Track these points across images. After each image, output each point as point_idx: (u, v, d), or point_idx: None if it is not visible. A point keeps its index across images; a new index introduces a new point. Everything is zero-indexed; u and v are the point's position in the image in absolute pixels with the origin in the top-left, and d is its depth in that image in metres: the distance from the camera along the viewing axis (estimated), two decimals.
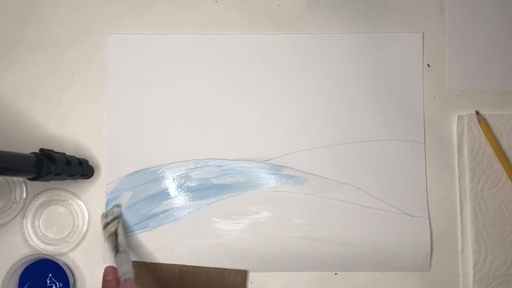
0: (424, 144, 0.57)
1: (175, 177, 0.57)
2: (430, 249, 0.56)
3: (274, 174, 0.57)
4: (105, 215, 0.55)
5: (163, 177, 0.57)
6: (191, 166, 0.57)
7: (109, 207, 0.56)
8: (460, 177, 0.57)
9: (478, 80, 0.58)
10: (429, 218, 0.56)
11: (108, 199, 0.56)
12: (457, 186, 0.57)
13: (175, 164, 0.57)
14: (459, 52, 0.58)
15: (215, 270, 0.56)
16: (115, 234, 0.53)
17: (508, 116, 0.57)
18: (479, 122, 0.56)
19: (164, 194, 0.57)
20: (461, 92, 0.58)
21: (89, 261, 0.56)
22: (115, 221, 0.54)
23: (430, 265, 0.56)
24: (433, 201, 0.57)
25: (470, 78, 0.58)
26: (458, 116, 0.57)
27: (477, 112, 0.57)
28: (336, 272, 0.56)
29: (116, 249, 0.51)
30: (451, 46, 0.58)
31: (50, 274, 0.56)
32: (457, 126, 0.57)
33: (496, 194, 0.56)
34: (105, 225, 0.54)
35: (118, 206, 0.56)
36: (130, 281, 0.47)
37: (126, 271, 0.48)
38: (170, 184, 0.57)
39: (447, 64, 0.58)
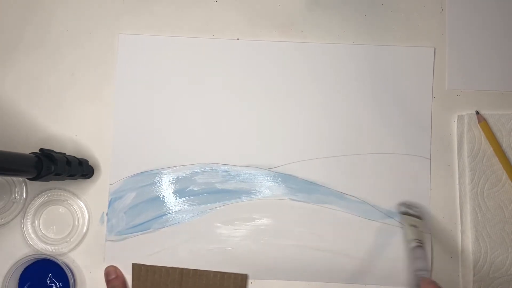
0: (430, 159, 0.57)
1: (179, 180, 0.57)
2: (430, 268, 0.55)
3: (278, 182, 0.57)
4: (406, 205, 0.55)
5: (167, 180, 0.57)
6: (196, 170, 0.57)
7: (403, 203, 0.55)
8: (460, 177, 0.57)
9: (478, 80, 0.58)
10: (430, 234, 0.56)
11: (111, 199, 0.56)
12: (457, 186, 0.57)
13: (180, 167, 0.57)
14: (459, 52, 0.58)
15: (215, 273, 0.55)
16: (415, 227, 0.52)
17: (508, 116, 0.57)
18: (479, 122, 0.56)
19: (167, 197, 0.57)
20: (461, 92, 0.58)
21: (89, 261, 0.56)
22: (418, 218, 0.54)
23: None
24: (433, 201, 0.57)
25: (470, 78, 0.58)
26: (458, 116, 0.57)
27: (477, 112, 0.57)
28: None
29: (417, 242, 0.50)
30: (451, 46, 0.58)
31: (50, 274, 0.56)
32: (457, 126, 0.57)
33: (496, 194, 0.56)
34: (406, 213, 0.54)
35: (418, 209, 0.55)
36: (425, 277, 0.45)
37: (422, 267, 0.47)
38: (174, 187, 0.57)
39: (447, 64, 0.58)
